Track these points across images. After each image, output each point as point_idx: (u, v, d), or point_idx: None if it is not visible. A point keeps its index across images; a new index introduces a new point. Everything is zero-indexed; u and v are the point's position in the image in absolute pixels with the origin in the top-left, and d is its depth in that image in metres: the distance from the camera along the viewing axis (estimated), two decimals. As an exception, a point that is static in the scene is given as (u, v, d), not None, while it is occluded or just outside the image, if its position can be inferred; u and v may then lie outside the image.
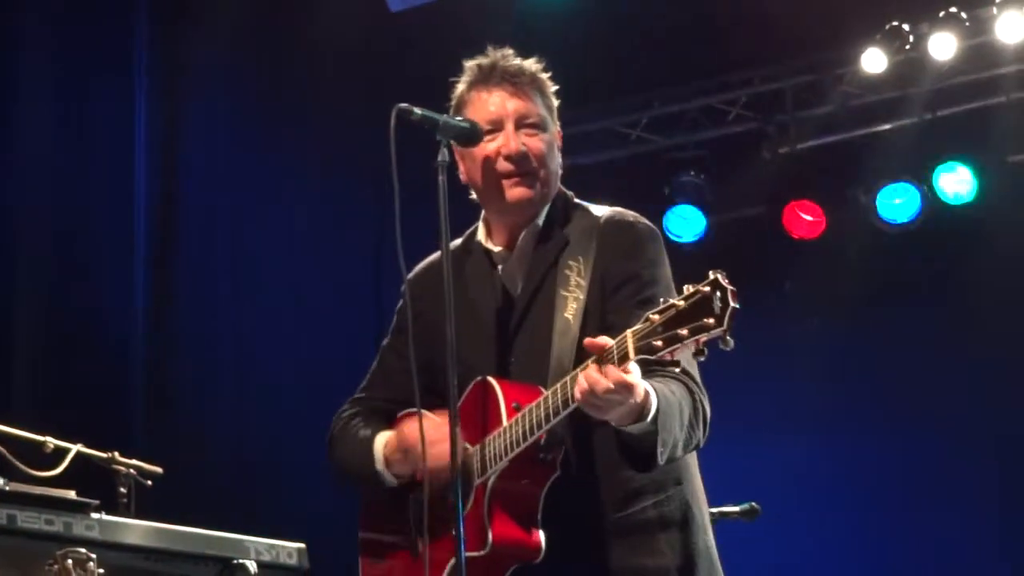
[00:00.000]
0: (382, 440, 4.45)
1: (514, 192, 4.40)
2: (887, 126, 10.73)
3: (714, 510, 7.03)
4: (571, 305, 4.23)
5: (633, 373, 3.81)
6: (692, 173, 11.14)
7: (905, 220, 10.63)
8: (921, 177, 10.55)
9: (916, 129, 10.58)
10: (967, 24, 9.91)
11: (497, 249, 4.50)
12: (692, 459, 4.39)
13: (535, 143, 4.41)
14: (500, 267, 4.47)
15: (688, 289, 3.74)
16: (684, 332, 3.69)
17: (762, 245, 11.02)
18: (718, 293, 3.68)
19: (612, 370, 3.78)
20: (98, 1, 9.28)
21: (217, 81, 9.90)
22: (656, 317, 3.74)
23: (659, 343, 3.72)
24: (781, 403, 10.62)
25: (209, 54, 9.77)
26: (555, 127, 4.51)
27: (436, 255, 4.53)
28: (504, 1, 9.35)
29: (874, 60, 10.16)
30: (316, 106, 10.04)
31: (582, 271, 4.28)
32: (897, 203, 10.64)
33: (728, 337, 3.67)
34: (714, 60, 10.80)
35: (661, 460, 3.99)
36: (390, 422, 4.54)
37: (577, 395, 3.85)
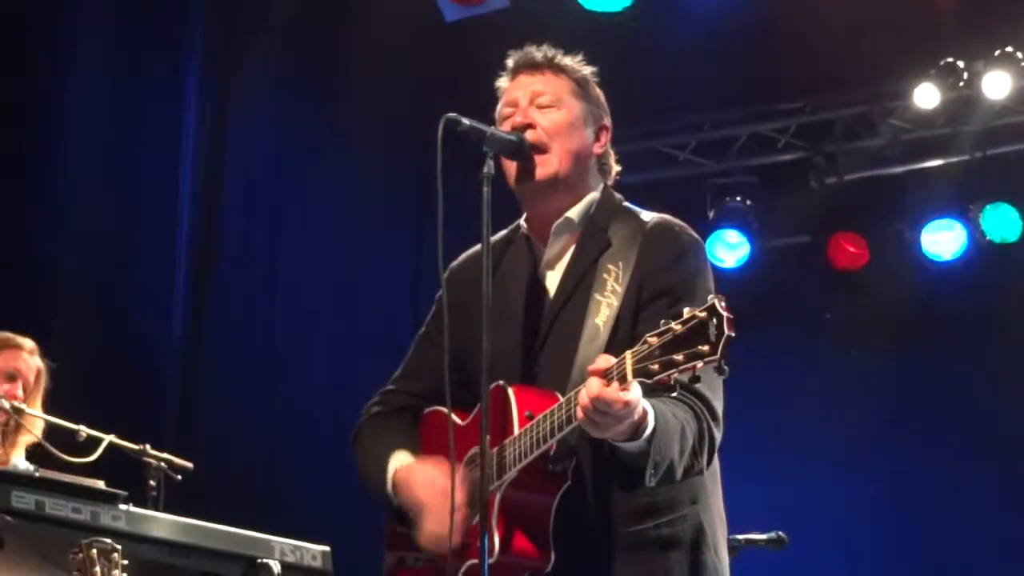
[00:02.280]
0: (395, 464, 4.39)
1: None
2: (936, 162, 10.71)
3: (741, 537, 7.04)
4: (603, 311, 4.17)
5: (632, 391, 3.74)
6: (738, 198, 11.13)
7: (949, 257, 10.61)
8: (968, 215, 10.52)
9: (965, 167, 10.55)
10: (1023, 64, 9.87)
11: (538, 241, 4.44)
12: (712, 479, 4.31)
13: (546, 118, 4.37)
14: (540, 262, 4.43)
15: (686, 313, 3.67)
16: (680, 357, 3.62)
17: (805, 274, 11.01)
18: (714, 320, 3.60)
19: (611, 389, 3.72)
20: (151, 5, 9.33)
21: (266, 85, 9.95)
22: (654, 340, 3.68)
23: (655, 367, 3.66)
24: (816, 432, 10.58)
25: (260, 57, 9.81)
26: (587, 111, 4.45)
27: (478, 247, 4.45)
28: (557, 15, 9.36)
29: (927, 95, 10.13)
30: (363, 113, 10.06)
31: (620, 276, 4.22)
32: (942, 239, 10.62)
33: (723, 365, 3.60)
34: (766, 87, 10.78)
35: (650, 483, 3.95)
36: (417, 419, 4.53)
37: (579, 414, 3.81)
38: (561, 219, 4.39)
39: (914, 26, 9.72)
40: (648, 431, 3.85)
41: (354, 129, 10.12)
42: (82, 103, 8.94)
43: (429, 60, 9.87)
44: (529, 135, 4.34)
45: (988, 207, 10.46)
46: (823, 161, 10.98)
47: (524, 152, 4.32)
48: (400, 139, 9.88)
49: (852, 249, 10.90)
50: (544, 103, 4.40)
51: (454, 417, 4.18)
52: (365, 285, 10.31)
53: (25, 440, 6.66)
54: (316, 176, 10.13)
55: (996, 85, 9.93)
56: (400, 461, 4.39)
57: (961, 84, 10.02)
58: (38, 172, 8.73)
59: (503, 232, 4.54)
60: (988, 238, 10.47)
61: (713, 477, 4.32)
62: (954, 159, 10.61)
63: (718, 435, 4.14)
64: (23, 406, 6.53)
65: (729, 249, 11.03)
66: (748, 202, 11.13)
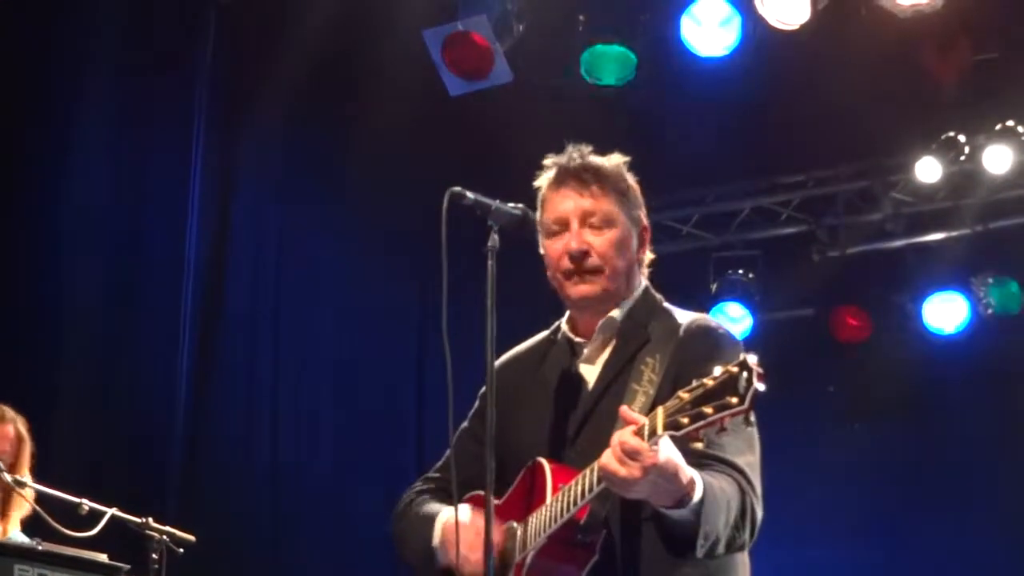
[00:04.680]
0: (444, 517, 4.42)
1: (575, 290, 4.40)
2: (938, 235, 10.73)
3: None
4: (639, 399, 4.19)
5: (662, 449, 3.77)
6: (740, 272, 11.15)
7: (951, 330, 10.61)
8: (969, 288, 10.54)
9: (967, 240, 10.57)
10: (1023, 138, 9.90)
11: (579, 340, 4.50)
12: (742, 562, 4.31)
13: (599, 240, 4.41)
14: (580, 358, 4.48)
15: (719, 369, 3.71)
16: (709, 410, 3.67)
17: (807, 347, 11.01)
18: (744, 373, 3.65)
19: (638, 439, 3.77)
20: (157, 74, 9.37)
21: (270, 158, 9.98)
22: (686, 395, 3.73)
23: (685, 420, 3.70)
24: (820, 506, 10.56)
25: (264, 131, 9.84)
26: (631, 220, 4.49)
27: (523, 346, 4.61)
28: (560, 89, 9.39)
29: (928, 169, 10.16)
30: (368, 186, 10.09)
31: (656, 367, 4.25)
32: (943, 312, 10.64)
33: (750, 418, 3.66)
34: (768, 161, 10.82)
35: (699, 552, 3.95)
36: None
37: (599, 472, 3.85)
38: (605, 319, 4.44)
39: (916, 101, 9.76)
40: (696, 500, 3.87)
41: (359, 202, 10.15)
42: (88, 177, 8.96)
43: (433, 133, 9.90)
44: (587, 263, 4.38)
45: (992, 281, 10.49)
46: (825, 234, 11.02)
47: (529, 227, 4.35)
48: (404, 212, 9.90)
49: (854, 322, 10.92)
50: (596, 223, 4.43)
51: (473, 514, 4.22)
52: (369, 360, 10.30)
53: (19, 513, 6.62)
54: (320, 250, 10.15)
55: (997, 159, 9.96)
56: (450, 515, 4.36)
57: (962, 158, 10.06)
58: (44, 244, 8.75)
59: (545, 333, 4.62)
60: (991, 310, 10.49)
61: (744, 561, 4.32)
62: (955, 232, 10.63)
63: (760, 511, 4.15)
64: (25, 479, 6.49)
65: (732, 322, 11.03)
66: (750, 275, 11.15)
